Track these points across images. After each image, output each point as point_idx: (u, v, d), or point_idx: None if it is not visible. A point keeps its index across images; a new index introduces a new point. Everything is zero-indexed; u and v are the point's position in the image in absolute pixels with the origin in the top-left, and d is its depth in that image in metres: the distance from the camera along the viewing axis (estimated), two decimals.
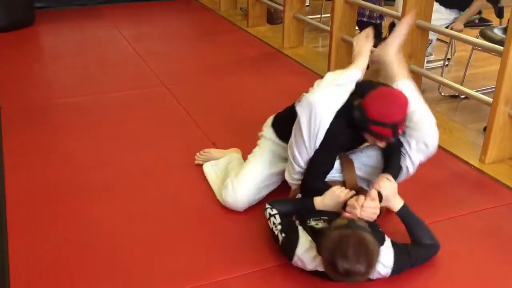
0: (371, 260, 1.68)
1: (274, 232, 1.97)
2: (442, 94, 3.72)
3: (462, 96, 3.63)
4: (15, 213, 2.31)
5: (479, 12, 3.90)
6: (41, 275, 1.95)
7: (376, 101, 1.95)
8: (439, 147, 2.86)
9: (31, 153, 2.81)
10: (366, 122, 1.95)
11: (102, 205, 2.38)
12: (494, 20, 3.97)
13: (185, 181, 2.57)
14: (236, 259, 2.04)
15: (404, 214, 2.00)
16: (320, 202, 2.02)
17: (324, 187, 2.07)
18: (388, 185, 1.96)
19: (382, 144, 2.03)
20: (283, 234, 1.93)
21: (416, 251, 1.96)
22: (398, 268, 1.90)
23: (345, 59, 3.84)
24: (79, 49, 4.54)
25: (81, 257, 2.05)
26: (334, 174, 2.18)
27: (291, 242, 1.89)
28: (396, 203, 1.99)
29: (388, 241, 1.91)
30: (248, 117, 3.24)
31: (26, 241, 2.13)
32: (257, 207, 2.33)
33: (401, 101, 1.95)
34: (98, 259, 2.04)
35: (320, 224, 1.95)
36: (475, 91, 3.16)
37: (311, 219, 1.98)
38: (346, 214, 1.86)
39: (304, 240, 1.89)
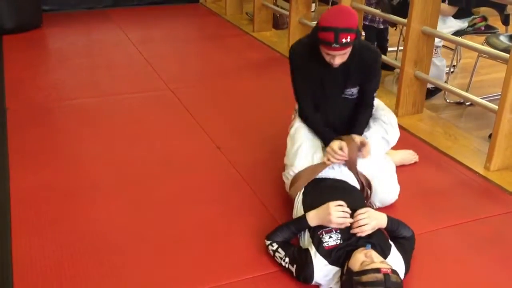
0: None
1: (285, 266, 1.94)
2: (448, 100, 3.71)
3: (467, 103, 3.62)
4: (20, 213, 2.32)
5: (485, 19, 3.90)
6: (45, 276, 1.96)
7: (326, 11, 2.17)
8: (445, 154, 2.89)
9: (37, 154, 2.82)
10: (316, 30, 2.16)
11: (106, 206, 2.39)
12: (500, 27, 3.97)
13: (188, 184, 2.57)
14: (240, 263, 2.04)
15: (390, 224, 1.97)
16: (315, 215, 1.97)
17: (312, 119, 2.39)
18: (373, 218, 1.93)
19: (334, 60, 2.17)
20: (294, 265, 1.90)
21: (408, 246, 1.99)
22: (407, 267, 1.91)
23: None
24: (85, 51, 4.57)
25: (84, 258, 2.05)
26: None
27: (306, 270, 1.85)
28: (383, 221, 1.96)
29: (393, 247, 1.91)
30: (253, 121, 3.25)
31: (30, 241, 2.14)
32: (262, 214, 2.34)
33: (347, 11, 2.14)
34: (101, 261, 2.04)
35: (333, 241, 1.90)
36: (481, 98, 3.15)
37: (323, 232, 1.92)
38: (382, 269, 1.70)
39: (318, 264, 1.85)
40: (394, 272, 1.71)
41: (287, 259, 1.93)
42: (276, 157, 2.76)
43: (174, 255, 2.08)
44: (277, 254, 1.98)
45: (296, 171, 2.26)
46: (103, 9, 5.98)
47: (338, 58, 2.19)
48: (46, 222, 2.27)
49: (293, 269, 1.90)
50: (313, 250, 1.88)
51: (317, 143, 2.35)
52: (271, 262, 2.02)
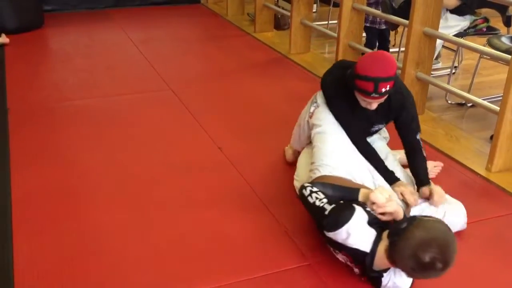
0: (450, 265, 1.69)
1: (318, 206, 1.86)
2: (449, 102, 3.71)
3: (469, 104, 3.62)
4: (20, 213, 2.32)
5: (487, 21, 3.90)
6: (46, 276, 1.96)
7: (364, 58, 2.15)
8: (446, 155, 2.88)
9: (38, 155, 2.82)
10: (353, 77, 2.12)
11: (107, 207, 2.39)
12: (502, 28, 3.96)
13: (189, 185, 2.57)
14: (241, 263, 2.04)
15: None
16: (366, 192, 1.96)
17: (365, 147, 2.30)
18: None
19: (370, 106, 2.17)
20: (333, 205, 1.84)
21: None
22: None
23: None
24: (87, 52, 4.57)
25: (84, 258, 2.05)
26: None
27: (345, 210, 1.81)
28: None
29: None
30: (254, 121, 3.25)
31: (30, 242, 2.14)
32: (263, 214, 2.34)
33: (386, 60, 2.10)
34: (102, 261, 2.04)
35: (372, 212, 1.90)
36: (482, 99, 3.15)
37: (366, 206, 1.92)
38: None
39: (360, 213, 1.83)
40: None
41: (325, 200, 1.87)
42: (277, 157, 2.76)
43: (174, 255, 2.08)
44: (314, 194, 1.91)
45: (327, 173, 2.13)
46: (104, 9, 5.98)
47: (375, 103, 2.18)
48: (46, 222, 2.27)
49: (329, 207, 1.83)
50: (356, 206, 1.87)
51: (349, 151, 2.27)
52: (271, 263, 2.02)
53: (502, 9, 3.91)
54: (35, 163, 2.74)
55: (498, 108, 2.70)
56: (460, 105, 3.67)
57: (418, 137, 2.32)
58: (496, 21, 4.06)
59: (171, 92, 3.69)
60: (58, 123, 3.24)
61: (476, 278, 2.01)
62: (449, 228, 1.74)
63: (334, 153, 2.22)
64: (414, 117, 2.32)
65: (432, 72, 3.53)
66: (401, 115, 2.29)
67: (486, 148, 2.88)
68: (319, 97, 2.41)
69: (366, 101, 2.17)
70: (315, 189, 1.93)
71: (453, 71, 4.03)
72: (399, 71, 3.50)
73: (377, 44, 4.36)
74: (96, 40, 4.94)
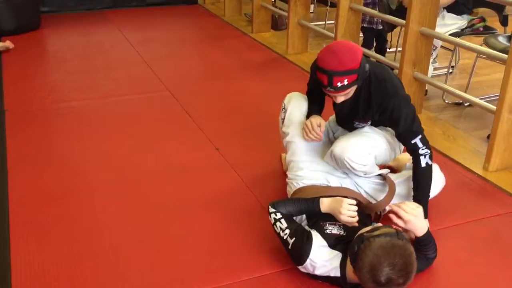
0: (411, 276, 1.67)
1: (283, 237, 1.92)
2: (446, 101, 3.71)
3: (466, 104, 3.62)
4: (18, 215, 2.32)
5: (484, 20, 3.91)
6: (43, 278, 1.96)
7: (324, 48, 1.99)
8: (444, 155, 2.89)
9: (35, 156, 2.82)
10: (315, 67, 2.01)
11: (105, 208, 2.38)
12: (499, 28, 3.97)
13: (187, 186, 2.57)
14: (239, 264, 2.04)
15: (424, 237, 1.91)
16: (329, 203, 1.96)
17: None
18: (412, 210, 1.86)
19: (335, 98, 2.03)
20: (293, 238, 1.88)
21: (422, 264, 1.89)
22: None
23: None
24: (84, 53, 4.57)
25: (83, 260, 2.05)
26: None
27: (303, 245, 1.84)
28: (420, 229, 1.88)
29: None
30: (251, 122, 3.25)
31: (28, 243, 2.13)
32: (261, 214, 2.34)
33: (344, 52, 1.91)
34: (100, 262, 2.04)
35: (335, 230, 1.91)
36: (479, 98, 3.16)
37: (327, 223, 1.94)
38: (394, 225, 1.80)
39: (318, 242, 1.85)
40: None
41: (287, 231, 1.90)
42: (274, 158, 2.77)
43: (174, 256, 2.08)
44: (278, 224, 1.93)
45: (301, 185, 2.20)
46: (101, 10, 5.98)
47: (340, 97, 2.01)
48: (44, 223, 2.26)
49: (291, 241, 1.88)
50: (314, 232, 1.89)
51: (319, 156, 2.25)
52: (270, 263, 2.02)
53: (498, 8, 3.92)
54: (33, 164, 2.73)
55: (495, 108, 2.70)
56: (457, 104, 3.68)
57: (414, 140, 2.04)
58: (493, 21, 4.07)
59: (168, 93, 3.69)
60: (56, 124, 3.24)
61: (475, 276, 2.01)
62: (398, 237, 1.67)
63: (305, 162, 2.24)
64: (404, 116, 2.02)
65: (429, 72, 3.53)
66: (385, 112, 2.05)
67: (483, 147, 2.88)
68: (286, 99, 2.38)
69: (328, 94, 2.03)
70: (278, 215, 1.96)
71: (450, 70, 4.04)
72: (396, 71, 3.51)
73: (375, 44, 4.36)
74: (93, 41, 4.93)
